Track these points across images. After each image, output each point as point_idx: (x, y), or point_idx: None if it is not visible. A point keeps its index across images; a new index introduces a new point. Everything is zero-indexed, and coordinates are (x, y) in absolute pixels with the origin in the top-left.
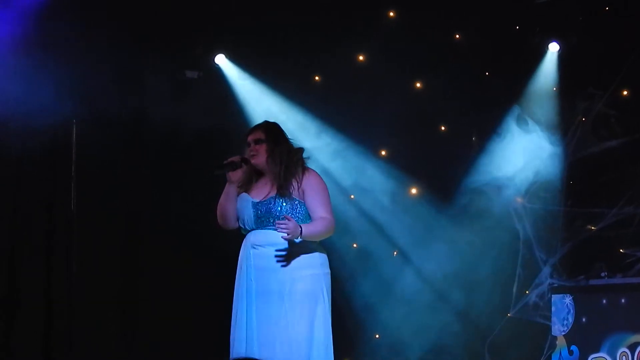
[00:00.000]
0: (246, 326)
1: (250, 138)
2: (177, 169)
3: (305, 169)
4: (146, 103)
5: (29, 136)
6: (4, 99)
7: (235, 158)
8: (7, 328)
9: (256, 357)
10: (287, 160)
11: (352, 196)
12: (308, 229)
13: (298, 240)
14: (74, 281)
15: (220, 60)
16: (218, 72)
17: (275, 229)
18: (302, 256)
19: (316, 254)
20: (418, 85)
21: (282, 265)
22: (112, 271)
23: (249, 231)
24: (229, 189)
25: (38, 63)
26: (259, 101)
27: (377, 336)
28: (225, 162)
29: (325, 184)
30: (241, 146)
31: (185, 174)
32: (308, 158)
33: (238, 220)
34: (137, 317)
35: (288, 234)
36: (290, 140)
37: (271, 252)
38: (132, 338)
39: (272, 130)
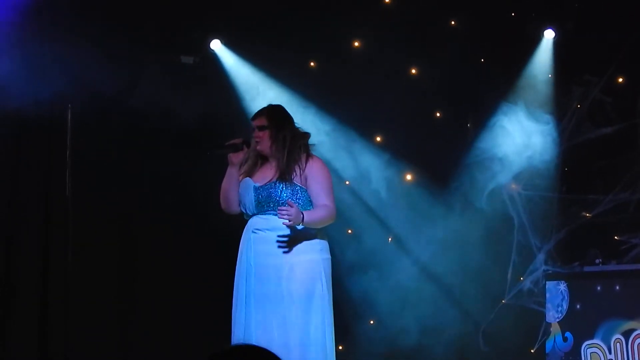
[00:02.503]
0: (245, 311)
1: (254, 124)
2: (174, 154)
3: (309, 155)
4: (141, 88)
5: (24, 122)
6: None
7: (237, 140)
8: (2, 319)
9: (254, 342)
10: (290, 145)
11: (348, 182)
12: (310, 216)
13: (300, 227)
14: (71, 270)
15: (216, 45)
16: (213, 57)
17: (276, 214)
18: (302, 241)
19: (316, 240)
20: (413, 71)
21: (282, 251)
22: (110, 259)
23: (251, 216)
24: (231, 171)
25: (32, 48)
26: (254, 86)
27: (371, 322)
28: (226, 143)
29: (329, 171)
30: (237, 132)
31: (182, 159)
32: (313, 145)
33: (240, 204)
34: (136, 305)
35: (290, 221)
36: (296, 125)
37: (271, 236)
38: (130, 326)
39: (275, 115)
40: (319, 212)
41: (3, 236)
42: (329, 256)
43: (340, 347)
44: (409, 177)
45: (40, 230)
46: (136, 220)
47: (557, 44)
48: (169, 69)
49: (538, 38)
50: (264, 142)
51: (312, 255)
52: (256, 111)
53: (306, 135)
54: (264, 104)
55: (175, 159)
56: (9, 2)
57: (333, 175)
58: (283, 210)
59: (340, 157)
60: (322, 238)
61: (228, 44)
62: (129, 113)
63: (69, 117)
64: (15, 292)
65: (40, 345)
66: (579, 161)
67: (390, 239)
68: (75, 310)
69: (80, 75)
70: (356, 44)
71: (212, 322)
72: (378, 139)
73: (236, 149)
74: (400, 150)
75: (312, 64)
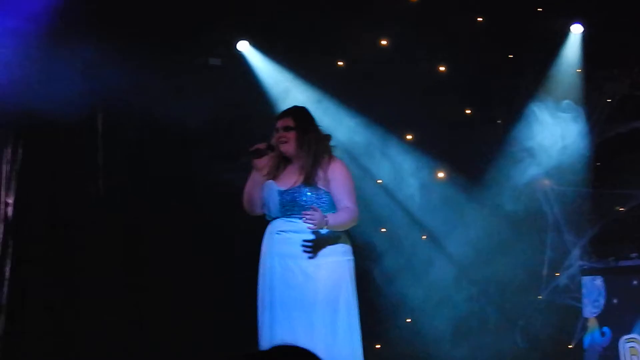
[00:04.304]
0: (269, 314)
1: (279, 124)
2: (200, 157)
3: (331, 157)
4: (169, 91)
5: (55, 127)
6: (30, 90)
7: (262, 145)
8: (33, 324)
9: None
10: (315, 148)
11: (380, 181)
12: (334, 219)
13: (324, 231)
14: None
15: (243, 46)
16: (241, 58)
17: (300, 218)
18: (327, 244)
19: (340, 243)
20: (442, 69)
21: (306, 253)
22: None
23: (274, 218)
24: (255, 176)
25: (61, 54)
26: (282, 87)
27: (408, 320)
28: (251, 149)
29: (350, 173)
30: (265, 135)
31: (209, 163)
32: (335, 146)
33: (263, 206)
34: (158, 309)
35: (314, 225)
36: (319, 127)
37: (295, 238)
38: (150, 331)
39: (301, 116)
40: (343, 215)
41: (34, 238)
42: (352, 257)
43: (377, 346)
44: (440, 174)
45: (70, 232)
46: (164, 223)
47: (585, 38)
48: (196, 71)
49: (566, 33)
50: (289, 143)
51: (337, 257)
52: (281, 111)
53: (328, 137)
54: (293, 104)
55: (202, 162)
56: (40, 9)
57: (365, 174)
58: (307, 214)
59: (371, 156)
60: (345, 241)
61: (255, 45)
62: (157, 116)
63: (100, 121)
64: (48, 304)
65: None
66: (610, 155)
67: (424, 237)
68: (106, 313)
69: (110, 80)
70: (384, 42)
71: (237, 324)
72: (409, 137)
73: (261, 154)
74: (431, 148)
75: (340, 63)
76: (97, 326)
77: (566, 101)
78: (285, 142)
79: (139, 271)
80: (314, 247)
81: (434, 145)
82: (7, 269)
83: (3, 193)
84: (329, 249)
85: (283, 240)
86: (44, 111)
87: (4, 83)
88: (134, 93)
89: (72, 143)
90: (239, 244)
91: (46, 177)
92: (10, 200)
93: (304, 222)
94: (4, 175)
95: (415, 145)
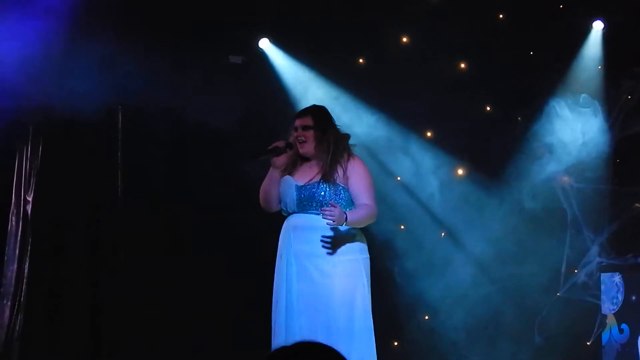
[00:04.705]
0: (286, 312)
1: (298, 123)
2: (221, 155)
3: (350, 155)
4: (190, 89)
5: (75, 123)
6: (50, 87)
7: (280, 143)
8: (53, 323)
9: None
10: (334, 147)
11: (399, 178)
12: (352, 216)
13: (343, 227)
14: (121, 272)
15: (264, 44)
16: (262, 56)
17: (317, 214)
18: (343, 242)
19: (356, 241)
20: (462, 66)
21: (323, 250)
22: (158, 259)
23: (290, 214)
24: (273, 173)
25: (82, 51)
26: (303, 85)
27: (426, 318)
28: (269, 147)
29: (369, 171)
30: (286, 133)
31: (229, 160)
32: (354, 145)
33: (280, 202)
34: (183, 306)
35: (333, 221)
36: (337, 126)
37: (312, 236)
38: (174, 327)
39: (320, 116)
40: (361, 212)
41: (54, 239)
42: (368, 255)
43: (395, 343)
44: (460, 171)
45: (89, 230)
46: (185, 220)
47: (606, 35)
48: (217, 68)
49: (587, 30)
50: (307, 142)
51: (353, 255)
52: (300, 110)
53: (347, 136)
54: (313, 102)
55: (223, 159)
56: (60, 5)
57: (384, 171)
58: (326, 211)
59: (391, 153)
60: (361, 239)
61: (276, 42)
62: (177, 113)
63: (120, 118)
64: (66, 301)
65: (93, 356)
66: (630, 153)
67: (442, 234)
68: (127, 313)
69: (129, 77)
70: (404, 39)
71: (250, 320)
72: (429, 134)
73: (279, 152)
74: (451, 145)
75: (360, 60)
76: (118, 323)
77: (583, 95)
78: (304, 141)
79: (158, 266)
80: (330, 244)
81: (454, 143)
82: (26, 267)
83: (22, 190)
84: (346, 246)
85: (299, 238)
86: (63, 108)
87: (23, 80)
88: (154, 90)
89: (91, 140)
90: (259, 242)
91: (66, 174)
92: (30, 198)
93: (323, 218)
94: (23, 172)
95: (435, 142)
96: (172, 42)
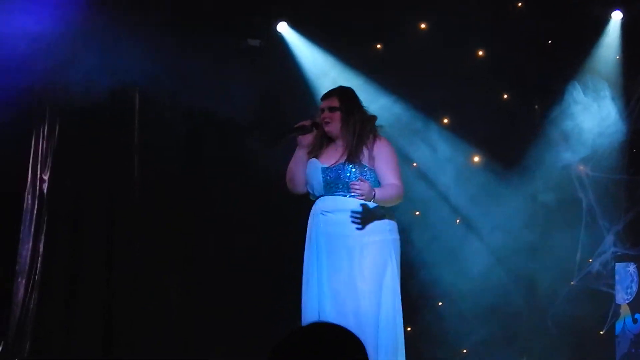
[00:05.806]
0: (318, 296)
1: (324, 104)
2: (238, 138)
3: (376, 136)
4: (208, 71)
5: (91, 104)
6: (67, 67)
7: (306, 122)
8: (67, 302)
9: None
10: (360, 129)
11: (415, 164)
12: (381, 193)
13: (371, 204)
14: (137, 257)
15: (282, 28)
16: (280, 39)
17: (344, 195)
18: (372, 222)
19: (385, 220)
20: (480, 53)
21: (352, 231)
22: (175, 244)
23: (318, 197)
24: (299, 153)
25: (97, 30)
26: (321, 69)
27: (440, 304)
28: (295, 125)
29: (395, 152)
30: (305, 114)
31: (249, 143)
32: (381, 127)
33: (307, 184)
34: (200, 290)
35: (362, 196)
36: (364, 108)
37: (340, 218)
38: (194, 312)
39: (346, 97)
40: (389, 190)
41: (70, 219)
42: (398, 236)
43: (408, 329)
44: (476, 158)
45: (105, 210)
46: (201, 204)
47: (625, 25)
48: (235, 52)
49: (606, 19)
50: (333, 123)
51: (383, 236)
52: (326, 92)
53: (374, 118)
54: (331, 86)
55: (241, 143)
56: None
57: (401, 157)
58: (356, 185)
59: (407, 139)
60: (390, 218)
61: (295, 26)
62: (194, 96)
63: (137, 100)
64: (80, 281)
65: (105, 336)
66: None
67: (458, 221)
68: (141, 297)
69: (146, 59)
70: (422, 26)
71: (280, 303)
72: (445, 120)
73: (305, 130)
74: (467, 132)
75: (378, 46)
76: (130, 305)
77: (604, 88)
78: (330, 122)
79: (176, 244)
80: (359, 224)
81: (470, 130)
82: (41, 245)
83: (39, 169)
84: (375, 224)
85: (328, 221)
86: (80, 89)
87: (41, 60)
88: (171, 72)
89: (108, 120)
90: (284, 226)
91: (82, 153)
92: (46, 177)
93: (352, 193)
94: (40, 151)
95: (452, 129)
96: (190, 24)
